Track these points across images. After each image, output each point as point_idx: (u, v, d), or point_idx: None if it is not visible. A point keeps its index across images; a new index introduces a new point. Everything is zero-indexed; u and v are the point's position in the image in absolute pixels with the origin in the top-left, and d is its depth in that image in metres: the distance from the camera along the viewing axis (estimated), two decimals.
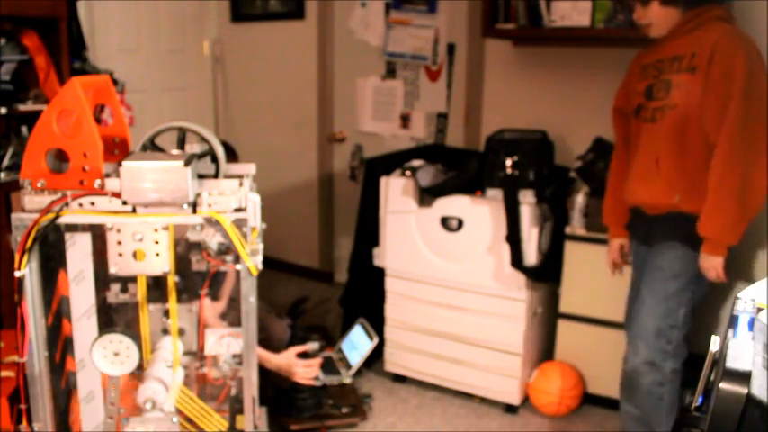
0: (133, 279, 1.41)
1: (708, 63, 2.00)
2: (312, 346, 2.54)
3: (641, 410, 2.21)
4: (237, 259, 1.28)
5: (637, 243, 2.33)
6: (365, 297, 3.12)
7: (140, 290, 1.35)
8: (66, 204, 1.23)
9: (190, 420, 1.40)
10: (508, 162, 2.65)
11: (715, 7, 2.08)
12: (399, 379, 3.09)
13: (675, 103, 2.07)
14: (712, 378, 0.94)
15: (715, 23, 2.06)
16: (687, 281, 2.12)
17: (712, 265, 2.05)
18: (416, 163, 2.98)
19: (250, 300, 1.30)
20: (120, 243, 1.25)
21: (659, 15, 2.11)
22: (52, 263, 1.31)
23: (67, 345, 1.35)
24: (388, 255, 2.95)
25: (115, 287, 1.36)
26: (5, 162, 2.87)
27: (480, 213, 2.71)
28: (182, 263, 1.38)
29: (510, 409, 2.85)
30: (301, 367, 2.44)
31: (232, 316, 1.44)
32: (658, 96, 2.12)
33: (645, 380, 2.16)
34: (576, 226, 2.75)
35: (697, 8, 2.07)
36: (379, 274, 3.01)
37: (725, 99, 1.97)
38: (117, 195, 1.23)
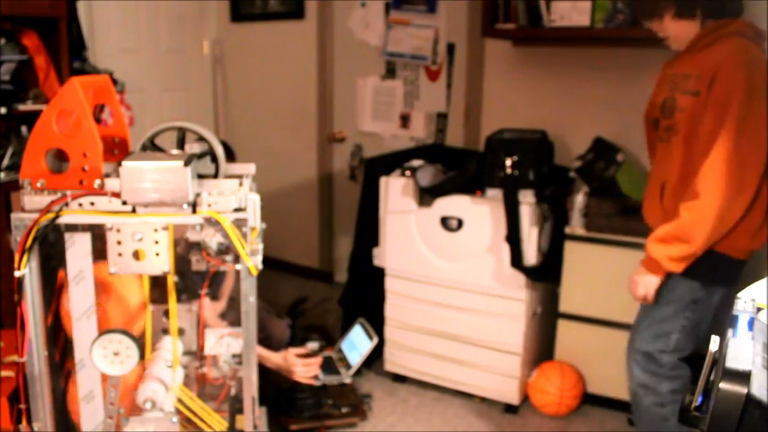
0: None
1: (708, 86, 1.84)
2: (312, 346, 2.54)
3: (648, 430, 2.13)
4: (237, 259, 1.28)
5: None
6: (365, 297, 3.12)
7: (144, 290, 1.35)
8: (66, 204, 1.23)
9: (190, 420, 1.40)
10: (508, 162, 2.65)
11: (735, 21, 1.89)
12: (399, 379, 3.09)
13: (678, 128, 1.93)
14: (712, 378, 0.94)
15: (729, 40, 1.86)
16: (681, 307, 2.02)
17: (644, 282, 1.96)
18: (416, 163, 2.98)
19: (250, 300, 1.30)
20: (119, 243, 1.25)
21: (674, 29, 1.95)
22: (52, 263, 1.31)
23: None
24: (387, 255, 2.95)
25: None
26: (5, 162, 2.87)
27: (480, 213, 2.71)
28: (181, 263, 1.38)
29: (510, 409, 2.85)
30: (301, 366, 2.44)
31: (232, 316, 1.44)
32: (666, 115, 1.99)
33: (644, 401, 2.10)
34: (576, 226, 2.74)
35: (717, 20, 1.89)
36: (379, 274, 3.01)
37: (718, 128, 1.80)
38: (117, 195, 1.23)
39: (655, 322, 2.06)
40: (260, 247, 1.31)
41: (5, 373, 2.07)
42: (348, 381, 2.61)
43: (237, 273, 1.30)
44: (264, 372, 2.22)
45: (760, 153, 1.80)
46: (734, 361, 0.85)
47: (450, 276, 2.83)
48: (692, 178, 1.88)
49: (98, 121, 1.34)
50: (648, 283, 1.97)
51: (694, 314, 2.02)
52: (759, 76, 1.81)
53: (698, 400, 0.97)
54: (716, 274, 1.98)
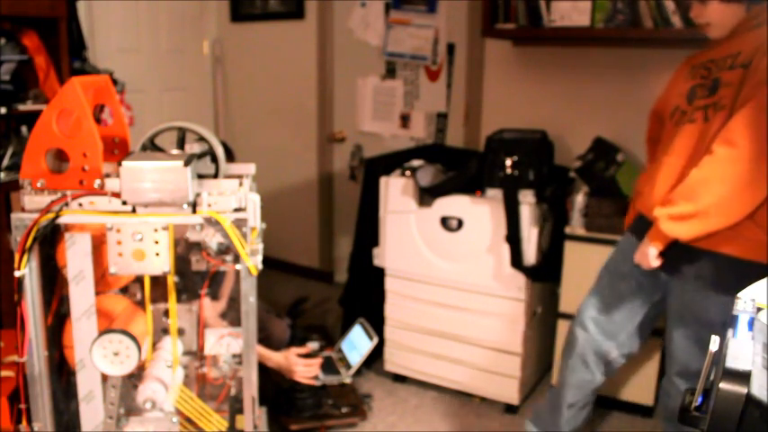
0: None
1: (758, 61, 1.73)
2: (312, 346, 2.54)
3: None
4: (237, 259, 1.28)
5: (636, 239, 2.08)
6: (365, 297, 3.12)
7: (146, 290, 1.35)
8: (66, 204, 1.23)
9: (190, 420, 1.40)
10: (508, 162, 2.65)
11: None
12: (399, 379, 3.09)
13: (724, 104, 1.80)
14: (712, 378, 0.94)
15: None
16: (722, 328, 1.91)
17: (644, 252, 1.89)
18: (416, 163, 2.98)
19: (250, 300, 1.30)
20: (119, 243, 1.25)
21: (720, 13, 1.86)
22: (52, 263, 1.31)
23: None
24: (387, 255, 2.95)
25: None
26: (5, 162, 2.87)
27: (480, 213, 2.71)
28: (181, 263, 1.38)
29: (510, 409, 2.85)
30: (301, 366, 2.44)
31: (232, 316, 1.44)
32: (701, 95, 1.88)
33: None
34: (576, 226, 2.74)
35: (763, 4, 1.81)
36: (379, 274, 3.01)
37: (752, 93, 1.71)
38: (117, 195, 1.23)
39: (698, 341, 1.95)
40: (260, 247, 1.31)
41: (5, 373, 2.06)
42: (348, 381, 2.61)
43: (237, 273, 1.30)
44: (264, 372, 2.22)
45: None
46: (734, 361, 0.85)
47: (450, 276, 2.83)
48: None
49: (98, 121, 1.34)
50: (649, 255, 1.88)
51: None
52: None
53: (698, 400, 0.97)
54: (747, 285, 1.83)
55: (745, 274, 1.82)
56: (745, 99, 1.74)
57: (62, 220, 1.23)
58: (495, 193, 2.68)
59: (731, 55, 1.84)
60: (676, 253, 1.93)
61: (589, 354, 2.25)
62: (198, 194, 1.25)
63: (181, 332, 1.42)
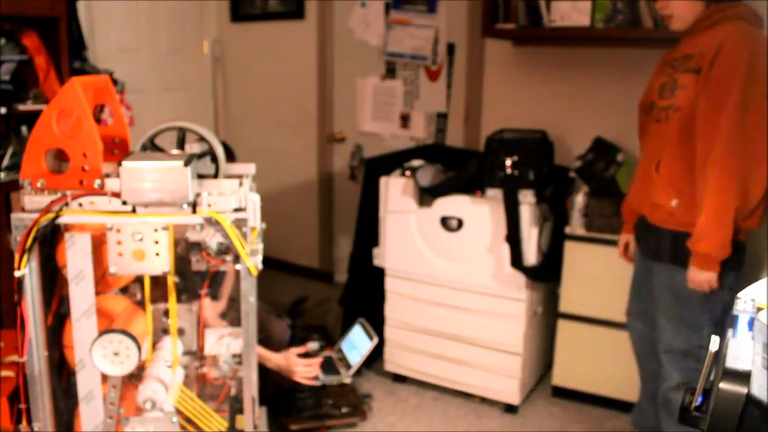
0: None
1: (710, 64, 1.87)
2: (312, 345, 2.54)
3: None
4: (237, 259, 1.28)
5: (642, 253, 2.22)
6: (365, 297, 3.12)
7: (146, 290, 1.35)
8: (66, 204, 1.23)
9: (190, 420, 1.40)
10: (508, 162, 2.65)
11: (737, 5, 1.94)
12: (399, 379, 3.09)
13: (679, 105, 1.95)
14: (712, 378, 0.94)
15: (730, 22, 1.91)
16: (700, 302, 2.00)
17: (705, 279, 1.95)
18: (416, 163, 2.98)
19: (250, 300, 1.30)
20: (119, 243, 1.25)
21: (681, 7, 1.97)
22: (52, 263, 1.31)
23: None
24: (387, 255, 2.95)
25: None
26: (5, 162, 2.87)
27: (480, 213, 2.71)
28: (181, 263, 1.38)
29: (510, 409, 2.85)
30: (301, 366, 2.44)
31: (232, 316, 1.44)
32: (665, 96, 2.02)
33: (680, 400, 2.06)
34: (576, 226, 2.75)
35: (720, 3, 1.94)
36: (379, 274, 3.01)
37: (719, 104, 1.84)
38: (117, 195, 1.23)
39: (681, 321, 2.04)
40: (260, 247, 1.31)
41: (5, 373, 2.06)
42: (348, 381, 2.61)
43: (237, 273, 1.30)
44: (264, 372, 2.22)
45: (765, 127, 1.84)
46: (734, 361, 0.85)
47: (450, 276, 2.83)
48: (688, 154, 1.92)
49: (98, 121, 1.34)
50: (709, 279, 1.94)
51: (713, 304, 2.00)
52: (760, 59, 1.84)
53: (698, 400, 0.97)
54: (725, 262, 1.94)
55: None
56: (705, 109, 1.87)
57: (62, 220, 1.23)
58: (495, 193, 2.68)
59: (687, 56, 1.97)
60: (655, 238, 2.07)
61: (642, 350, 2.30)
62: (198, 194, 1.25)
63: (181, 332, 1.42)
